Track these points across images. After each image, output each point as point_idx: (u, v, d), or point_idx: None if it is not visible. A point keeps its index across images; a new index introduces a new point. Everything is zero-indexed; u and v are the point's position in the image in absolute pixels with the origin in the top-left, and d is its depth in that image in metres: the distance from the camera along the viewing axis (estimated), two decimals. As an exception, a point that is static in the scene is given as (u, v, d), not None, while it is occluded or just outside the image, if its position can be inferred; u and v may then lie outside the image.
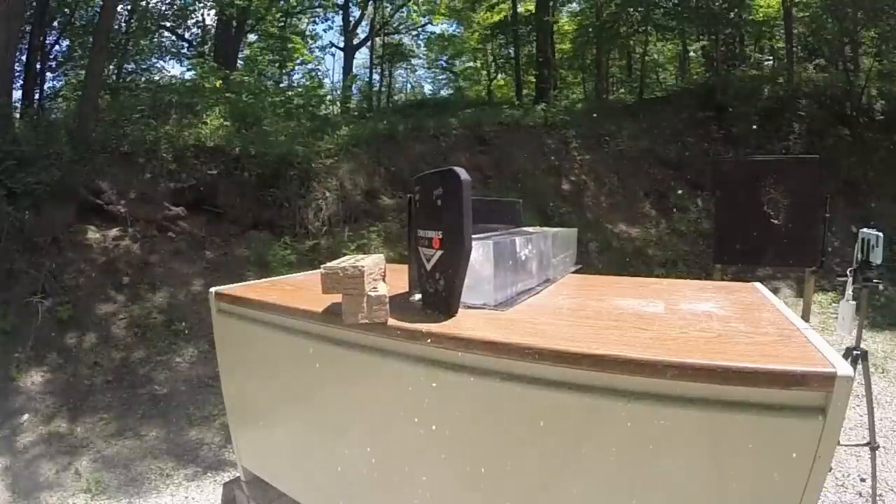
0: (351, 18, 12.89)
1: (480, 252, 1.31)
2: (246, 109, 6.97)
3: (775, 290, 5.93)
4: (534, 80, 11.70)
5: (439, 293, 1.28)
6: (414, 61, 14.64)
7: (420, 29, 14.05)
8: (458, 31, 14.09)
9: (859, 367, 2.27)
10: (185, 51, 10.21)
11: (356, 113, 9.97)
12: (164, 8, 9.82)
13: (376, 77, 13.80)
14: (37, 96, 7.72)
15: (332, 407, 1.45)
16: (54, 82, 8.36)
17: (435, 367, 1.16)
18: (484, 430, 1.11)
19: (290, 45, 11.14)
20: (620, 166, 8.09)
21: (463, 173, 1.18)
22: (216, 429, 3.52)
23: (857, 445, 2.47)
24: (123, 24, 8.72)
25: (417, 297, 1.43)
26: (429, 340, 1.14)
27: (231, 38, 9.98)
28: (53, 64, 8.34)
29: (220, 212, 5.69)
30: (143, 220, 5.23)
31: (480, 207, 1.31)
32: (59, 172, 4.85)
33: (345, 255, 2.29)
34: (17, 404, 3.61)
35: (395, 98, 14.02)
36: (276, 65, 11.24)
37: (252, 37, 11.14)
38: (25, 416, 3.51)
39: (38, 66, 7.79)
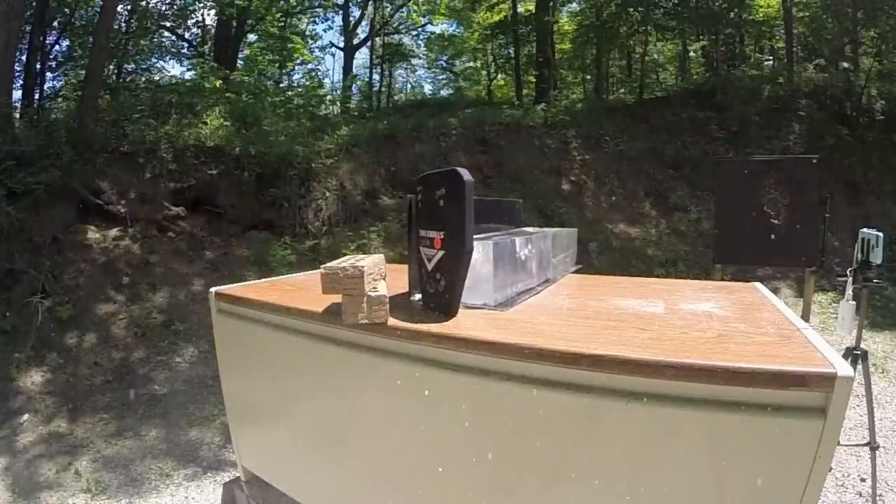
0: (351, 18, 12.89)
1: (480, 252, 1.31)
2: (246, 109, 6.97)
3: (775, 290, 5.93)
4: (534, 80, 11.70)
5: (440, 293, 1.28)
6: (414, 61, 14.64)
7: (420, 29, 14.06)
8: (458, 31, 14.09)
9: (859, 367, 2.27)
10: (185, 51, 10.21)
11: (356, 113, 9.97)
12: (164, 8, 9.82)
13: (376, 77, 13.80)
14: (37, 96, 7.72)
15: (332, 407, 1.45)
16: (54, 82, 8.36)
17: (435, 367, 1.16)
18: (483, 430, 1.11)
19: (290, 45, 11.14)
20: (620, 166, 8.09)
21: (466, 174, 1.19)
22: (216, 429, 3.52)
23: (857, 445, 2.47)
24: (123, 24, 8.72)
25: (417, 297, 1.43)
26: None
27: (231, 38, 9.98)
28: (53, 64, 8.34)
29: (220, 212, 5.69)
30: (143, 220, 5.23)
31: (480, 207, 1.31)
32: (59, 172, 4.85)
33: (345, 255, 2.28)
34: (17, 404, 3.61)
35: (395, 98, 14.02)
36: (276, 65, 11.24)
37: (252, 37, 11.14)
38: (25, 416, 3.51)
39: (38, 66, 7.79)
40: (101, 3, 7.04)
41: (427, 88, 15.21)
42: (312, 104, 8.63)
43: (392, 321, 1.26)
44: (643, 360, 0.95)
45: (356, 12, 12.92)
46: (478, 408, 1.12)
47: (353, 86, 12.13)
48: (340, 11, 12.57)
